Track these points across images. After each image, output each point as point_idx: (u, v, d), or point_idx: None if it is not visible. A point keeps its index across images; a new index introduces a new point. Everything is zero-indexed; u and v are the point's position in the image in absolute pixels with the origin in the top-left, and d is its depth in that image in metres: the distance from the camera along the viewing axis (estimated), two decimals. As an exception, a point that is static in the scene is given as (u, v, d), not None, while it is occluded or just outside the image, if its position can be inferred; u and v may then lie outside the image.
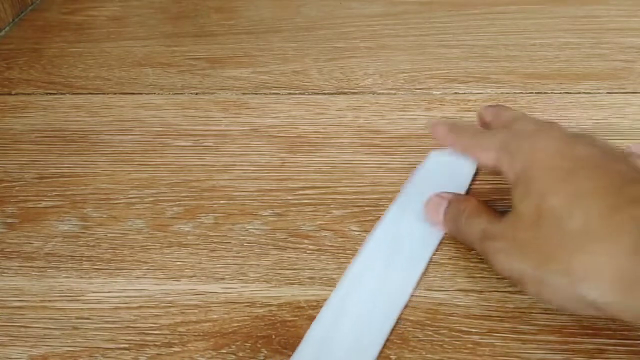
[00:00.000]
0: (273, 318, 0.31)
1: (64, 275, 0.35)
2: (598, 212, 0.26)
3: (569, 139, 0.30)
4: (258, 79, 0.50)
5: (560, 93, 0.46)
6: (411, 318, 0.31)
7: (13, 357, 0.31)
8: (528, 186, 0.29)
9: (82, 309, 0.33)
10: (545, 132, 0.31)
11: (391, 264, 0.33)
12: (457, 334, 0.30)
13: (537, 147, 0.30)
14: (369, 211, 0.37)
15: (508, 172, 0.31)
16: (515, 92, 0.46)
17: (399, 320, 0.31)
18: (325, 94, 0.48)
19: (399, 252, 0.34)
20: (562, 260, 0.26)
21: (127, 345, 0.31)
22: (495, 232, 0.30)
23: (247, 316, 0.32)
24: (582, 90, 0.46)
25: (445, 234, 0.35)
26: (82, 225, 0.38)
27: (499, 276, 0.32)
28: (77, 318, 0.32)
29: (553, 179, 0.28)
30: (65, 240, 0.37)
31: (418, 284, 0.32)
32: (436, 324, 0.30)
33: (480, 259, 0.33)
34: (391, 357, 0.29)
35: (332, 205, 0.38)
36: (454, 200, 0.34)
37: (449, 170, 0.37)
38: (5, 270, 0.35)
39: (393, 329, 0.30)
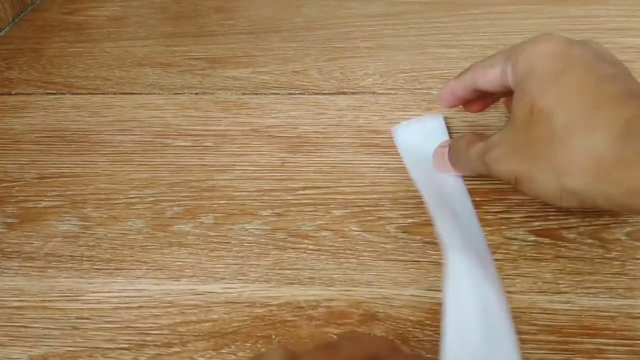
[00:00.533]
0: (273, 318, 0.31)
1: (64, 275, 0.35)
2: (579, 110, 0.28)
3: (568, 42, 0.31)
4: (258, 79, 0.50)
5: (560, 93, 0.46)
6: (411, 318, 0.31)
7: (13, 357, 0.31)
8: (524, 89, 0.30)
9: (82, 309, 0.33)
10: (546, 36, 0.31)
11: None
12: (457, 334, 0.30)
13: (536, 50, 0.31)
14: (369, 211, 0.37)
15: (512, 81, 0.32)
16: (515, 92, 0.46)
17: (399, 320, 0.31)
18: (325, 94, 0.48)
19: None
20: (548, 156, 0.29)
21: (127, 345, 0.31)
22: (492, 142, 0.32)
23: (247, 316, 0.32)
24: (582, 90, 0.46)
25: (463, 177, 0.37)
26: (82, 225, 0.38)
27: (499, 276, 0.32)
28: (77, 318, 0.32)
29: (545, 80, 0.30)
30: (65, 240, 0.37)
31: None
32: (436, 324, 0.30)
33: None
34: (391, 357, 0.29)
35: (332, 205, 0.38)
36: (452, 142, 0.37)
37: (423, 135, 0.40)
38: (5, 270, 0.35)
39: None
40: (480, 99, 0.38)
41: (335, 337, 0.31)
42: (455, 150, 0.36)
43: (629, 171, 0.26)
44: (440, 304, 0.31)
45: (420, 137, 0.40)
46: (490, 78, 0.34)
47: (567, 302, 0.31)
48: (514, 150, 0.31)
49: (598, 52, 0.30)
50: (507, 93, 0.34)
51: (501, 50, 0.34)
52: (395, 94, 0.47)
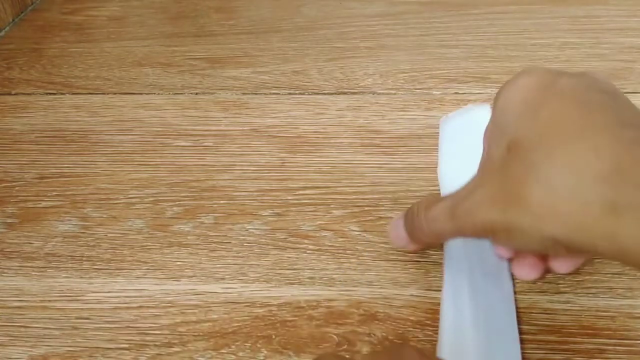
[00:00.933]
0: (273, 318, 0.31)
1: (64, 275, 0.35)
2: (561, 143, 0.24)
3: (552, 73, 0.27)
4: (258, 79, 0.50)
5: (560, 93, 0.46)
6: (411, 318, 0.31)
7: (13, 357, 0.31)
8: (499, 124, 0.27)
9: (82, 309, 0.33)
10: (528, 70, 0.28)
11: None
12: (457, 334, 0.30)
13: (515, 83, 0.27)
14: (369, 211, 0.37)
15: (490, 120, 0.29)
16: (515, 92, 0.46)
17: (399, 320, 0.31)
18: (325, 94, 0.48)
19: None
20: (525, 199, 0.24)
21: (127, 345, 0.31)
22: (463, 192, 0.28)
23: (247, 316, 0.32)
24: (582, 90, 0.46)
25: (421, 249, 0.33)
26: (82, 225, 0.38)
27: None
28: (77, 318, 0.32)
29: (524, 112, 0.26)
30: (65, 240, 0.37)
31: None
32: (436, 324, 0.30)
33: (480, 259, 0.33)
34: (391, 357, 0.29)
35: (332, 205, 0.38)
36: (406, 211, 0.31)
37: (467, 127, 0.36)
38: (5, 270, 0.35)
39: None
40: None
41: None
42: (411, 214, 0.30)
43: (620, 223, 0.22)
44: (440, 304, 0.31)
45: (465, 128, 0.37)
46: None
47: (567, 302, 0.31)
48: (489, 196, 0.26)
49: (587, 82, 0.26)
50: None
51: None
52: (395, 94, 0.47)
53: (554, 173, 0.24)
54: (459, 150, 0.35)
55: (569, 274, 0.31)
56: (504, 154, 0.26)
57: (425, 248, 0.33)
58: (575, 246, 0.24)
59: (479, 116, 0.35)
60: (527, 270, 0.29)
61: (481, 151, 0.31)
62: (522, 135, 0.26)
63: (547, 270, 0.29)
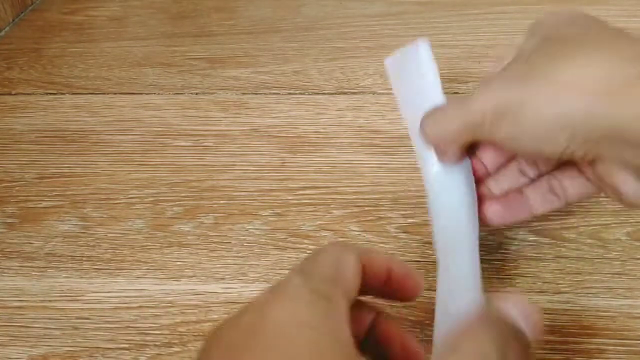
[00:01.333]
0: (273, 318, 0.31)
1: (64, 275, 0.35)
2: (596, 34, 0.25)
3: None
4: (258, 79, 0.50)
5: (560, 93, 0.46)
6: (411, 318, 0.31)
7: (13, 357, 0.31)
8: (532, 32, 0.28)
9: (82, 309, 0.33)
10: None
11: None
12: (457, 334, 0.30)
13: (542, 18, 0.29)
14: (369, 211, 0.37)
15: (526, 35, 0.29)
16: (515, 92, 0.46)
17: (399, 320, 0.31)
18: (325, 94, 0.48)
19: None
20: (547, 74, 0.24)
21: (127, 345, 0.31)
22: (479, 87, 0.27)
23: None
24: (582, 90, 0.46)
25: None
26: (82, 225, 0.38)
27: (499, 276, 0.32)
28: (77, 318, 0.32)
29: (563, 19, 0.28)
30: (66, 240, 0.37)
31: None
32: (436, 324, 0.30)
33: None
34: (391, 357, 0.29)
35: (332, 205, 0.38)
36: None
37: (411, 64, 0.34)
38: (6, 270, 0.35)
39: None
40: None
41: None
42: (424, 126, 0.30)
43: None
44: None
45: (410, 67, 0.35)
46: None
47: (567, 302, 0.31)
48: (505, 78, 0.26)
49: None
50: None
51: None
52: (395, 94, 0.47)
53: (582, 53, 0.24)
54: (412, 88, 0.33)
55: (548, 216, 0.31)
56: (532, 46, 0.27)
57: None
58: (590, 126, 0.23)
59: (423, 51, 0.34)
60: (501, 210, 0.29)
61: (431, 82, 0.32)
62: (556, 31, 0.27)
63: (526, 213, 0.29)
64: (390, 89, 0.48)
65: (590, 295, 0.31)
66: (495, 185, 0.31)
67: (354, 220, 0.36)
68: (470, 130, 0.27)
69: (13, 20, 0.62)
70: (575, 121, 0.24)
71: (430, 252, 0.34)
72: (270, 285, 0.22)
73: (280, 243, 0.36)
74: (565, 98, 0.24)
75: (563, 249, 0.34)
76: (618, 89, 0.23)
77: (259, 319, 0.20)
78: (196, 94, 0.49)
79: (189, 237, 0.36)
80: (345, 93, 0.48)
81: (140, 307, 0.33)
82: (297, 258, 0.34)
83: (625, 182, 0.26)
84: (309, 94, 0.48)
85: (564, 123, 0.24)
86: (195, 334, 0.31)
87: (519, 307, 0.22)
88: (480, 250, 0.33)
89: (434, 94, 0.32)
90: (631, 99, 0.23)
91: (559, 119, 0.24)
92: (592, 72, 0.24)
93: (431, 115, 0.30)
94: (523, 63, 0.26)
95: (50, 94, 0.51)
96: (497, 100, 0.26)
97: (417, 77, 0.34)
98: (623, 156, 0.24)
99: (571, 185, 0.29)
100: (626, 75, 0.23)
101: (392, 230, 0.36)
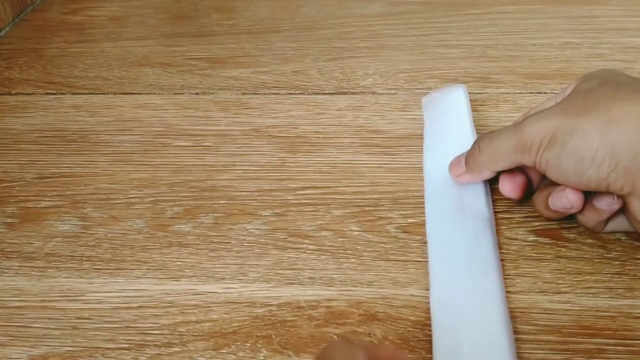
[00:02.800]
0: (273, 318, 0.31)
1: (64, 275, 0.35)
2: None
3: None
4: (258, 79, 0.50)
5: (560, 93, 0.46)
6: (411, 318, 0.31)
7: (13, 357, 0.31)
8: (591, 76, 0.31)
9: (82, 309, 0.33)
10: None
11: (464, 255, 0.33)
12: (457, 334, 0.30)
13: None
14: (369, 211, 0.37)
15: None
16: (515, 92, 0.46)
17: (399, 320, 0.31)
18: (325, 94, 0.48)
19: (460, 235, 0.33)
20: (599, 107, 0.27)
21: (127, 345, 0.31)
22: (534, 115, 0.30)
23: (247, 316, 0.32)
24: (582, 90, 0.46)
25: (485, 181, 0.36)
26: (82, 225, 0.38)
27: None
28: (77, 318, 0.32)
29: (614, 72, 0.31)
30: (66, 240, 0.37)
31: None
32: (436, 324, 0.30)
33: (480, 259, 0.33)
34: (391, 357, 0.29)
35: (332, 205, 0.38)
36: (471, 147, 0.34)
37: (446, 107, 0.38)
38: (6, 270, 0.35)
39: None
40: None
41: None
42: (475, 142, 0.34)
43: None
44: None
45: (443, 106, 0.39)
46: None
47: (567, 302, 0.31)
48: (560, 111, 0.29)
49: None
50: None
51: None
52: (395, 94, 0.47)
53: (636, 93, 0.27)
54: (442, 128, 0.37)
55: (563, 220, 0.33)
56: (590, 85, 0.29)
57: (480, 178, 0.35)
58: (633, 157, 0.26)
59: (458, 96, 0.39)
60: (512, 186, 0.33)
61: (462, 129, 0.36)
62: (615, 78, 0.30)
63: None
64: (390, 89, 0.48)
65: (590, 295, 0.31)
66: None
67: (354, 220, 0.36)
68: (519, 153, 0.31)
69: (13, 20, 0.62)
70: (619, 149, 0.27)
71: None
72: None
73: (280, 243, 0.35)
74: (614, 129, 0.27)
75: (563, 249, 0.34)
76: None
77: None
78: (196, 94, 0.49)
79: (189, 237, 0.36)
80: (345, 93, 0.48)
81: (140, 307, 0.33)
82: (297, 258, 0.34)
83: None
84: (309, 94, 0.48)
85: (609, 150, 0.27)
86: (195, 334, 0.31)
87: None
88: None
89: (467, 132, 0.37)
90: None
91: (605, 146, 0.27)
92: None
93: (486, 137, 0.33)
94: (579, 99, 0.29)
95: (50, 94, 0.51)
96: (551, 127, 0.29)
97: (452, 116, 0.38)
98: None
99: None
100: None
101: (392, 230, 0.36)
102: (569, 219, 0.34)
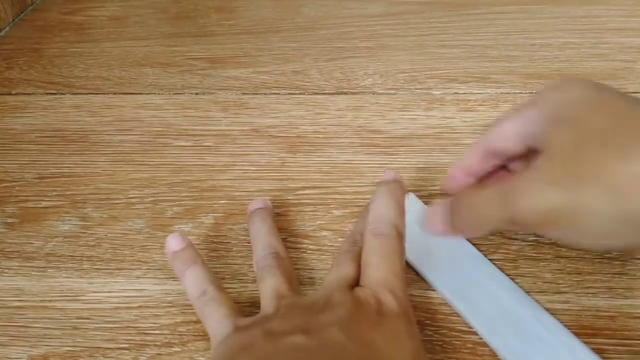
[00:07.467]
0: (273, 318, 0.31)
1: (64, 275, 0.35)
2: (620, 113, 0.24)
3: (596, 85, 0.28)
4: (258, 79, 0.50)
5: (560, 93, 0.46)
6: (411, 318, 0.31)
7: (13, 357, 0.31)
8: (563, 118, 0.26)
9: (82, 309, 0.33)
10: (569, 81, 0.28)
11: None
12: (457, 334, 0.30)
13: (559, 93, 0.28)
14: (369, 211, 0.37)
15: (541, 120, 0.27)
16: (515, 92, 0.46)
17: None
18: (325, 94, 0.48)
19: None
20: (602, 176, 0.23)
21: (127, 345, 0.31)
22: (519, 178, 0.26)
23: (247, 316, 0.32)
24: (582, 90, 0.46)
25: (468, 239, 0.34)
26: (82, 225, 0.38)
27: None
28: (77, 318, 0.32)
29: (591, 104, 0.26)
30: (66, 240, 0.37)
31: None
32: (436, 324, 0.30)
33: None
34: (391, 357, 0.29)
35: (332, 205, 0.38)
36: (455, 199, 0.30)
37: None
38: (6, 270, 0.35)
39: None
40: (495, 173, 0.32)
41: None
42: (457, 209, 0.29)
43: None
44: (440, 304, 0.31)
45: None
46: (507, 134, 0.29)
47: (567, 302, 0.31)
48: (553, 179, 0.25)
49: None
50: (523, 156, 0.30)
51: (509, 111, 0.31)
52: (395, 94, 0.47)
53: (629, 148, 0.23)
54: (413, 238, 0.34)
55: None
56: (571, 140, 0.25)
57: (467, 237, 0.33)
58: None
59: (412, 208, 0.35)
60: None
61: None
62: (590, 120, 0.25)
63: None
64: (390, 89, 0.48)
65: (590, 295, 0.31)
66: None
67: (354, 220, 0.36)
68: (508, 225, 0.27)
69: (13, 20, 0.62)
70: (637, 216, 0.23)
71: (430, 252, 0.34)
72: None
73: (280, 243, 0.35)
74: (627, 197, 0.23)
75: (563, 249, 0.34)
76: None
77: None
78: (196, 94, 0.49)
79: (189, 237, 0.36)
80: (345, 93, 0.48)
81: (140, 307, 0.33)
82: (297, 258, 0.34)
83: None
84: (309, 94, 0.48)
85: (626, 221, 0.24)
86: (195, 334, 0.31)
87: None
88: (481, 250, 0.33)
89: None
90: None
91: (620, 218, 0.24)
92: None
93: (468, 199, 0.29)
94: (570, 164, 0.25)
95: (50, 94, 0.51)
96: (547, 206, 0.25)
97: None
98: None
99: None
100: None
101: (392, 230, 0.36)
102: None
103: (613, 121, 0.25)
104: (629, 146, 0.24)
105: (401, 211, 0.31)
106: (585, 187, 0.24)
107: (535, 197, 0.25)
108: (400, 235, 0.30)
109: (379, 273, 0.28)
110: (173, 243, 0.32)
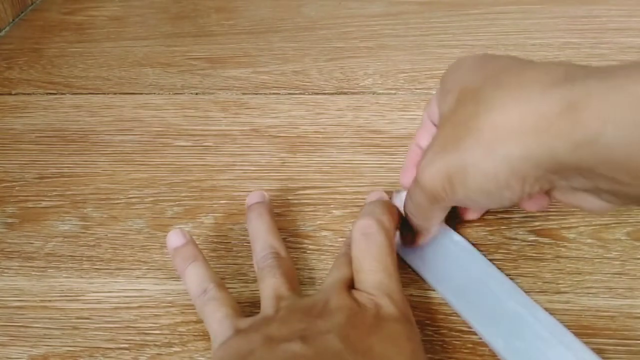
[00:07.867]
0: (273, 318, 0.31)
1: (64, 275, 0.35)
2: (509, 76, 0.25)
3: (490, 54, 0.29)
4: (258, 79, 0.50)
5: (560, 93, 0.46)
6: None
7: (13, 357, 0.31)
8: (448, 86, 0.29)
9: (82, 309, 0.33)
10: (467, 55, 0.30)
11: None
12: (457, 334, 0.30)
13: (459, 60, 0.30)
14: (369, 211, 0.37)
15: (439, 92, 0.30)
16: (515, 92, 0.46)
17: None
18: (325, 94, 0.48)
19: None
20: (475, 130, 0.24)
21: (127, 345, 0.31)
22: (422, 159, 0.28)
23: (248, 316, 0.31)
24: (582, 90, 0.46)
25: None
26: (82, 225, 0.38)
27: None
28: (77, 318, 0.32)
29: (471, 68, 0.28)
30: (66, 240, 0.37)
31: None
32: (436, 324, 0.30)
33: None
34: (391, 357, 0.29)
35: (332, 205, 0.38)
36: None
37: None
38: (6, 270, 0.35)
39: None
40: None
41: None
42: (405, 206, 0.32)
43: (577, 116, 0.22)
44: (440, 304, 0.31)
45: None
46: (433, 117, 0.32)
47: (567, 302, 0.31)
48: (440, 146, 0.26)
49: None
50: None
51: None
52: (395, 94, 0.47)
53: (504, 98, 0.24)
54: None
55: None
56: (452, 105, 0.27)
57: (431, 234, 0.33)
58: (531, 166, 0.23)
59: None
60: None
61: None
62: (470, 82, 0.27)
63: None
64: (390, 89, 0.48)
65: (590, 295, 0.31)
66: None
67: (354, 220, 0.36)
68: (437, 203, 0.28)
69: (13, 20, 0.62)
70: (517, 165, 0.24)
71: (430, 252, 0.34)
72: None
73: (280, 243, 0.35)
74: (499, 149, 0.24)
75: (563, 249, 0.34)
76: (543, 125, 0.23)
77: None
78: (196, 94, 0.49)
79: (189, 237, 0.36)
80: (345, 93, 0.48)
81: (140, 307, 0.33)
82: (297, 258, 0.34)
83: (586, 201, 0.26)
84: (309, 94, 0.48)
85: (510, 171, 0.24)
86: (195, 334, 0.31)
87: None
88: (480, 250, 0.33)
89: None
90: (557, 133, 0.22)
91: (502, 168, 0.24)
92: (517, 116, 0.24)
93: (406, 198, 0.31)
94: (449, 127, 0.27)
95: (50, 94, 0.51)
96: (440, 171, 0.26)
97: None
98: (572, 184, 0.25)
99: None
100: (543, 112, 0.23)
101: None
102: (567, 218, 0.34)
103: (487, 79, 0.26)
104: (493, 97, 0.25)
105: (386, 210, 0.31)
106: (463, 146, 0.25)
107: (429, 167, 0.27)
108: (385, 230, 0.30)
109: (373, 277, 0.28)
110: (174, 239, 0.32)
